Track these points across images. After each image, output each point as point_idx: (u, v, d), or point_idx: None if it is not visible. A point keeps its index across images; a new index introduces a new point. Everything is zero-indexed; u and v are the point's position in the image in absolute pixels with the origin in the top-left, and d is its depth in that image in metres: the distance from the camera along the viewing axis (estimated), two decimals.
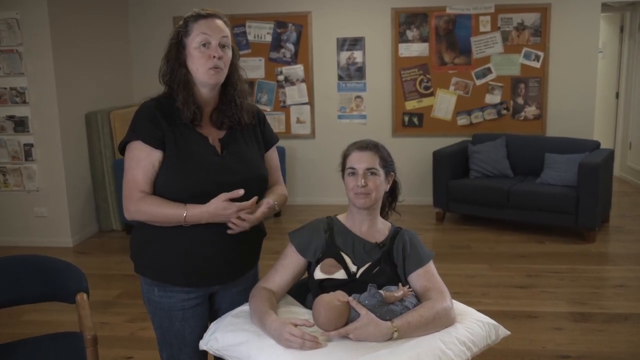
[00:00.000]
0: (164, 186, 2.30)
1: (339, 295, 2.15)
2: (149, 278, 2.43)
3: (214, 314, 2.55)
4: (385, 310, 2.14)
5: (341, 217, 2.54)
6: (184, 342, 2.47)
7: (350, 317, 2.11)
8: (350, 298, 2.15)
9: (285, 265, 2.46)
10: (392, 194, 2.62)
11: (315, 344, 2.04)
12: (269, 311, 2.22)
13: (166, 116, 2.32)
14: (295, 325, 2.09)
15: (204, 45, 2.30)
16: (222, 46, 2.33)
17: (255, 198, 2.30)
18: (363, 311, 2.10)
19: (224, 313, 2.45)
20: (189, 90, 2.33)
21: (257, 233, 2.51)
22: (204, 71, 2.30)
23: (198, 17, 2.32)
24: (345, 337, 2.08)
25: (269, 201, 2.38)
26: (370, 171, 2.41)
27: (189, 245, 2.34)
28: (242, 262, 2.51)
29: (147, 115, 2.32)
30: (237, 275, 2.50)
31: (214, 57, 2.29)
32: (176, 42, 2.33)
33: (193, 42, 2.29)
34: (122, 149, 2.38)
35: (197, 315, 2.48)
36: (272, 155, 2.64)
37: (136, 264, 2.47)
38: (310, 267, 2.45)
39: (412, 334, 2.11)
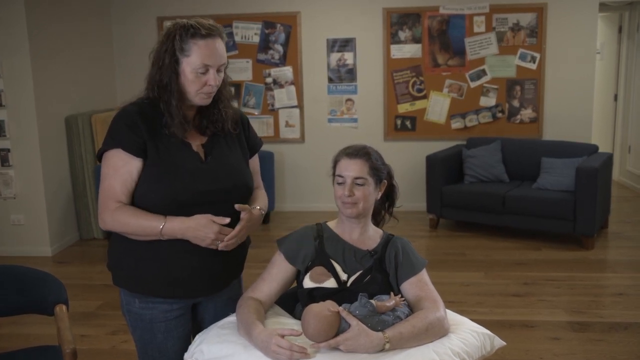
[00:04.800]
0: (146, 195, 2.23)
1: (329, 305, 2.11)
2: (129, 290, 2.38)
3: (197, 325, 2.52)
4: (377, 321, 2.10)
5: (331, 224, 2.51)
6: (167, 355, 2.42)
7: (340, 327, 2.07)
8: (341, 308, 2.11)
9: (274, 274, 2.42)
10: (388, 198, 2.59)
11: (303, 355, 2.01)
12: (256, 322, 2.18)
13: (147, 122, 2.24)
14: (283, 336, 2.05)
15: (201, 71, 2.22)
16: (219, 70, 2.27)
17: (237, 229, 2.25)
18: (354, 322, 2.06)
19: (207, 323, 2.43)
20: (180, 105, 2.25)
21: (241, 242, 2.41)
22: (194, 94, 2.25)
23: (196, 34, 2.18)
24: (336, 348, 2.04)
25: (249, 213, 2.31)
26: (359, 181, 2.36)
27: (171, 256, 2.28)
28: (226, 272, 2.46)
29: (127, 121, 2.23)
30: (221, 287, 2.46)
31: (210, 84, 2.23)
32: (170, 53, 2.21)
33: (189, 65, 2.21)
34: (100, 156, 2.30)
35: (180, 326, 2.42)
36: (255, 160, 2.59)
37: (115, 276, 2.41)
38: (299, 276, 2.42)
39: (404, 344, 2.07)
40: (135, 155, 2.21)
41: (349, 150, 2.42)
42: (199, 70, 2.19)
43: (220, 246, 2.24)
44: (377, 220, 2.59)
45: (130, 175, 2.22)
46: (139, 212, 2.21)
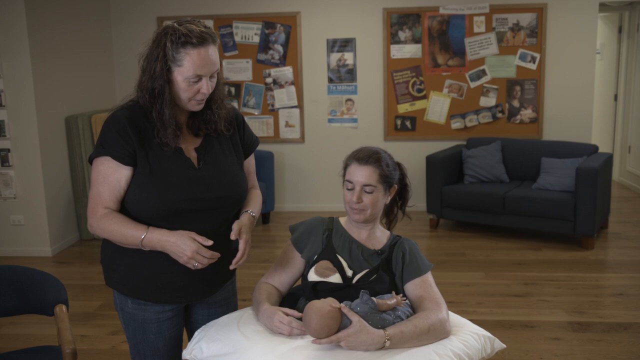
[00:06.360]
0: (138, 203, 2.21)
1: (331, 302, 2.11)
2: (122, 293, 2.38)
3: (191, 325, 2.54)
4: (378, 319, 2.11)
5: (342, 220, 2.53)
6: (158, 354, 2.44)
7: (342, 324, 2.08)
8: (342, 305, 2.11)
9: (283, 264, 2.47)
10: (401, 197, 2.58)
11: (302, 332, 2.10)
12: (264, 301, 2.29)
13: (138, 128, 2.21)
14: (286, 314, 2.17)
15: (194, 80, 2.18)
16: (212, 76, 2.22)
17: (218, 254, 2.20)
18: (355, 318, 2.06)
19: (201, 324, 2.43)
20: (173, 114, 2.21)
21: (234, 247, 2.40)
22: (187, 101, 2.22)
23: (187, 43, 2.12)
24: (337, 345, 2.05)
25: (246, 238, 2.31)
26: (367, 188, 2.36)
27: (163, 263, 2.26)
28: (218, 278, 2.45)
29: (117, 128, 2.19)
30: (213, 291, 2.46)
31: (203, 92, 2.20)
32: (161, 61, 2.15)
33: (181, 74, 2.15)
34: (91, 161, 2.28)
35: (172, 327, 2.44)
36: (251, 161, 2.57)
37: (107, 277, 2.41)
38: (305, 269, 2.45)
39: (405, 344, 2.08)
40: (124, 164, 2.18)
41: (360, 155, 2.39)
42: (192, 80, 2.15)
43: (232, 266, 2.27)
44: (390, 219, 2.59)
45: (118, 183, 2.20)
46: (123, 220, 2.19)
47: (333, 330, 2.05)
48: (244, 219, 2.33)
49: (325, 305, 2.08)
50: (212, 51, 2.17)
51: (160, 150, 2.22)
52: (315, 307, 2.07)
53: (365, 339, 2.02)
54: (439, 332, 2.15)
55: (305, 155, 7.74)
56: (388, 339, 2.04)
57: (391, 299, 2.19)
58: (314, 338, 2.05)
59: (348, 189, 2.39)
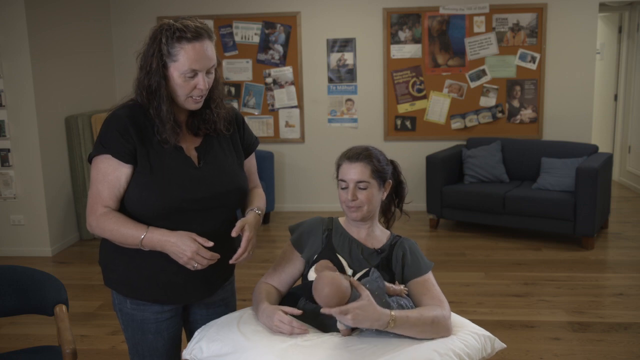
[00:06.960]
0: (138, 202, 2.21)
1: (341, 274, 2.16)
2: (120, 294, 2.37)
3: (190, 325, 2.54)
4: (383, 302, 2.13)
5: (341, 220, 2.53)
6: (157, 354, 2.44)
7: (351, 297, 2.09)
8: (352, 278, 2.17)
9: (283, 264, 2.46)
10: (397, 195, 2.57)
11: (302, 331, 2.11)
12: (264, 300, 2.29)
13: (138, 127, 2.21)
14: (286, 313, 2.17)
15: (189, 75, 2.17)
16: (209, 72, 2.21)
17: (218, 256, 2.18)
18: (365, 292, 2.08)
19: (200, 324, 2.42)
20: (171, 110, 2.20)
21: (236, 247, 2.39)
22: (184, 98, 2.21)
23: (182, 38, 2.12)
24: (337, 344, 2.06)
25: (248, 235, 2.27)
26: (361, 184, 2.37)
27: (163, 262, 2.24)
28: (218, 277, 2.45)
29: (117, 126, 2.18)
30: (213, 291, 2.46)
31: (200, 88, 2.19)
32: (157, 57, 2.15)
33: (177, 70, 2.15)
34: (90, 160, 2.27)
35: (171, 327, 2.43)
36: (251, 161, 2.57)
37: (106, 278, 2.40)
38: (305, 268, 2.45)
39: (408, 329, 2.10)
40: (125, 162, 2.18)
41: (350, 153, 2.40)
42: (187, 75, 2.15)
43: (231, 261, 2.25)
44: (388, 217, 2.58)
45: (118, 182, 2.19)
46: (122, 219, 2.18)
47: (343, 301, 2.05)
48: (250, 216, 2.32)
49: (337, 275, 2.11)
50: (208, 46, 2.17)
51: (160, 149, 2.21)
52: (328, 277, 2.09)
53: (372, 314, 2.02)
54: (441, 327, 2.16)
55: (305, 155, 7.74)
56: (393, 320, 2.05)
57: (397, 285, 2.25)
58: (323, 307, 2.06)
59: (342, 189, 2.39)
